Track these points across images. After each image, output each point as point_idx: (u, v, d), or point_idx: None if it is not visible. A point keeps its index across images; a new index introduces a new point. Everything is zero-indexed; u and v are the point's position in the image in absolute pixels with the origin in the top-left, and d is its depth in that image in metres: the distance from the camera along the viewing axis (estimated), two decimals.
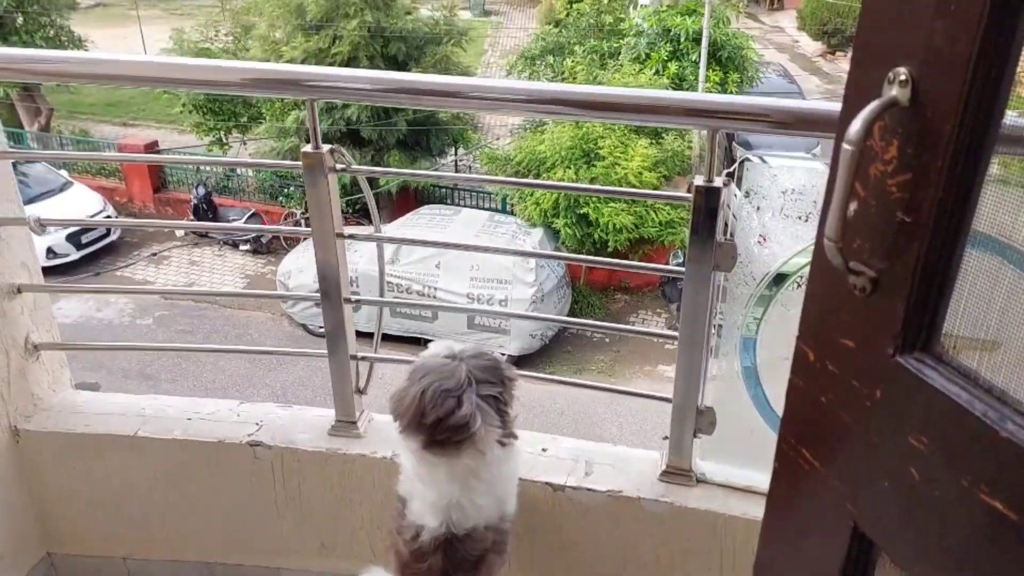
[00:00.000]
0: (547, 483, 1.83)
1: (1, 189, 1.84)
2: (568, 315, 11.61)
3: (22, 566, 2.02)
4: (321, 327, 1.89)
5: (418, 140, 12.78)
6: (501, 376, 1.55)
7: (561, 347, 11.40)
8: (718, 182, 1.52)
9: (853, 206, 0.72)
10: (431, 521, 1.54)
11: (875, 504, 0.76)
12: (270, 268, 13.08)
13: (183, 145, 14.89)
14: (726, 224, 1.61)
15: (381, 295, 1.99)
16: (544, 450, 1.93)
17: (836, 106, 1.40)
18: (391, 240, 1.96)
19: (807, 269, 1.55)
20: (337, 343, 1.91)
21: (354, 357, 1.94)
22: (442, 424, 1.46)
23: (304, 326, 11.51)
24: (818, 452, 0.83)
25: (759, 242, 1.54)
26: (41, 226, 1.82)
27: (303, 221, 12.92)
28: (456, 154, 14.17)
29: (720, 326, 1.74)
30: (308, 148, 1.68)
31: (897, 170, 0.68)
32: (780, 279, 1.65)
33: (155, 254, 13.38)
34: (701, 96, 1.59)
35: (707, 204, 1.53)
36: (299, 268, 11.29)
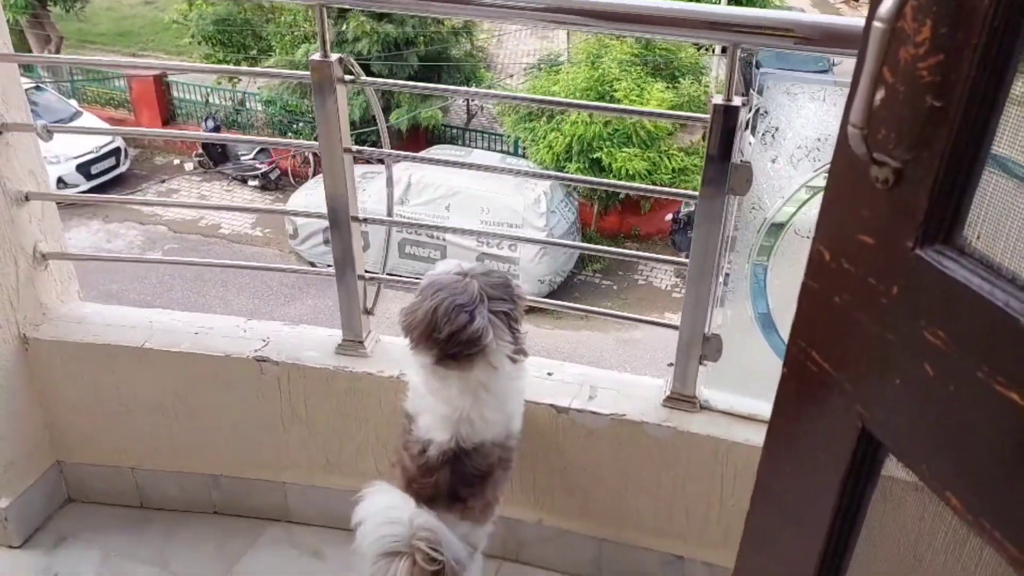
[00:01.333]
0: (551, 405, 1.84)
1: (8, 94, 1.81)
2: (578, 262, 11.59)
3: (32, 473, 2.05)
4: (330, 265, 1.88)
5: (429, 78, 12.58)
6: (511, 293, 1.55)
7: (569, 293, 11.41)
8: (736, 101, 1.48)
9: (880, 94, 0.69)
10: (440, 435, 1.55)
11: (885, 403, 0.75)
12: (278, 204, 13.05)
13: (192, 77, 14.71)
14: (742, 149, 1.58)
15: (389, 214, 1.98)
16: (550, 374, 1.93)
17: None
18: (399, 155, 1.93)
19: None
20: (345, 262, 1.90)
21: (362, 277, 1.93)
22: (455, 338, 1.47)
23: (312, 264, 11.53)
24: (829, 354, 0.82)
25: (772, 162, 1.50)
26: (48, 133, 1.80)
27: (311, 156, 12.84)
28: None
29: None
30: (316, 56, 1.65)
31: (929, 52, 0.65)
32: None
33: (163, 180, 13.35)
34: (723, 8, 1.54)
35: (725, 123, 1.49)
36: (306, 205, 11.26)
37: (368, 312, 1.98)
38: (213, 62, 13.86)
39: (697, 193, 1.61)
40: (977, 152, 0.64)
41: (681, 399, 1.83)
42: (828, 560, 0.87)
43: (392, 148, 1.95)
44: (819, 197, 1.48)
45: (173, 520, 2.10)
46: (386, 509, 1.53)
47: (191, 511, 2.12)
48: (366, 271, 1.93)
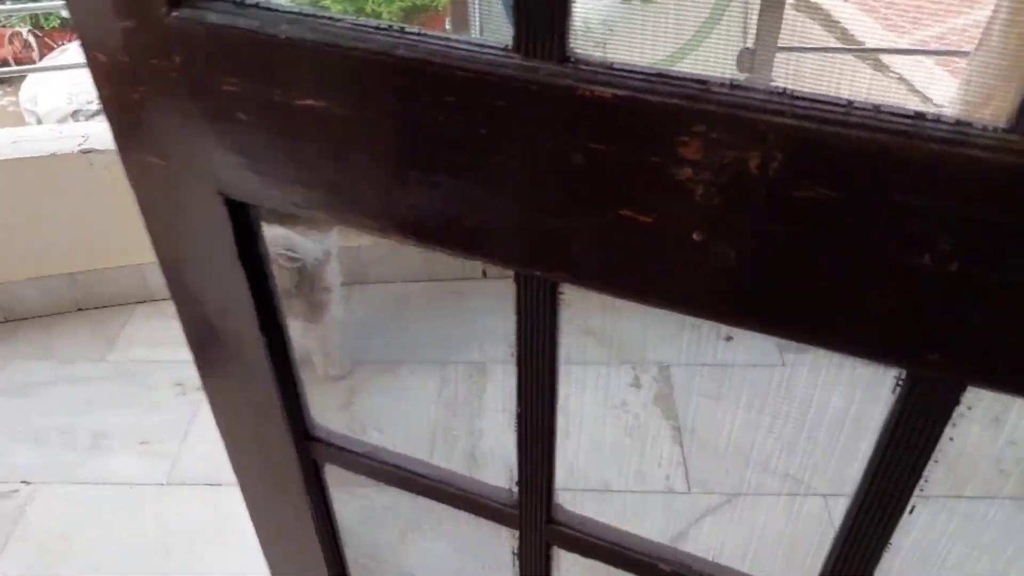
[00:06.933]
0: None
1: None
2: None
3: None
4: None
5: None
6: None
7: None
8: None
9: None
10: None
11: None
12: (9, 99, 11.62)
13: None
14: None
15: None
16: None
17: None
18: None
19: None
20: None
21: None
22: None
23: None
24: None
25: None
26: None
27: (32, 39, 11.43)
28: None
29: None
30: None
31: None
32: None
33: None
34: None
35: None
36: (47, 94, 10.16)
37: None
38: None
39: None
40: None
41: None
42: None
43: None
44: None
45: (42, 324, 2.27)
46: None
47: (56, 314, 2.29)
48: None
